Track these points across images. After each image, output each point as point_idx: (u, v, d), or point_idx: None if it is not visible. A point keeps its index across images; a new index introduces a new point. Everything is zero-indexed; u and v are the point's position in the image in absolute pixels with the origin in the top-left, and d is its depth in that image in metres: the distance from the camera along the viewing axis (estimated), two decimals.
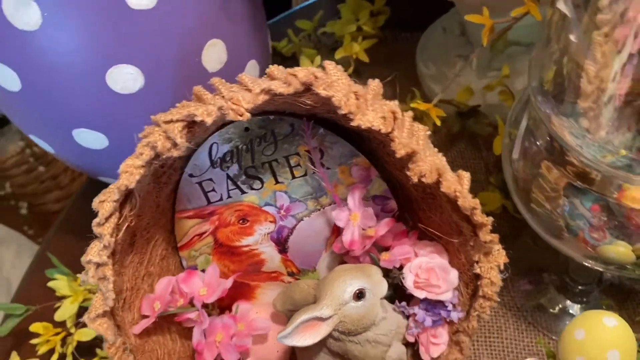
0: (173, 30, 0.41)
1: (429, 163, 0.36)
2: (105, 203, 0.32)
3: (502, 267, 0.40)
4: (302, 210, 0.45)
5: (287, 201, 0.44)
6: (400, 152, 0.34)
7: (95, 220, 0.32)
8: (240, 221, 0.45)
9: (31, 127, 0.46)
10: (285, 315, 0.44)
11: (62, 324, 0.56)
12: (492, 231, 0.61)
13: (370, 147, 0.43)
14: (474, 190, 0.63)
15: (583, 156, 0.37)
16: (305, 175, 0.43)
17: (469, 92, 0.63)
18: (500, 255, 0.39)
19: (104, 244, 0.32)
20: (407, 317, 0.45)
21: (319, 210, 0.45)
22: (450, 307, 0.43)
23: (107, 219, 0.32)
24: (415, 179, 0.35)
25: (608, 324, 0.37)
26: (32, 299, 0.60)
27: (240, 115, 0.31)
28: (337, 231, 0.45)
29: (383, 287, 0.41)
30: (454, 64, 0.69)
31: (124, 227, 0.35)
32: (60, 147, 0.46)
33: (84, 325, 0.51)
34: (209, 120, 0.31)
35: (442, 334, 0.44)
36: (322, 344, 0.43)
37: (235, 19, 0.45)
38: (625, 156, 0.35)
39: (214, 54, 0.43)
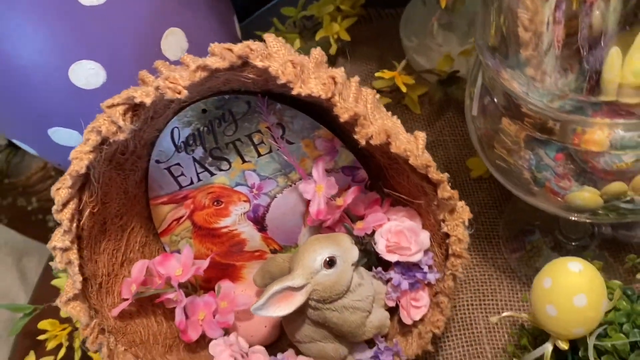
0: (127, 22, 0.42)
1: (377, 125, 0.36)
2: (60, 190, 0.34)
3: (467, 224, 0.40)
4: (273, 187, 0.46)
5: (257, 179, 0.45)
6: (344, 116, 0.35)
7: (54, 207, 0.34)
8: (215, 203, 0.46)
9: (10, 131, 0.48)
10: None
11: (68, 320, 0.58)
12: (483, 196, 0.61)
13: (330, 117, 0.44)
14: (464, 157, 0.63)
15: (532, 104, 0.36)
16: (270, 152, 0.44)
17: (449, 60, 0.63)
18: (464, 212, 0.40)
19: (64, 229, 0.34)
20: (387, 282, 0.45)
21: (290, 186, 0.46)
22: (425, 268, 0.43)
23: (64, 205, 0.34)
24: (362, 142, 0.36)
25: (573, 269, 0.37)
26: (47, 299, 0.63)
27: (178, 93, 0.32)
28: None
29: (353, 253, 0.42)
30: (434, 35, 0.69)
31: (86, 213, 0.36)
32: (41, 148, 0.48)
33: None
34: (147, 101, 0.32)
35: (423, 297, 0.44)
36: (304, 316, 0.44)
37: (193, 6, 0.46)
38: (573, 98, 0.35)
39: (173, 43, 0.45)
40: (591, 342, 0.39)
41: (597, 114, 0.35)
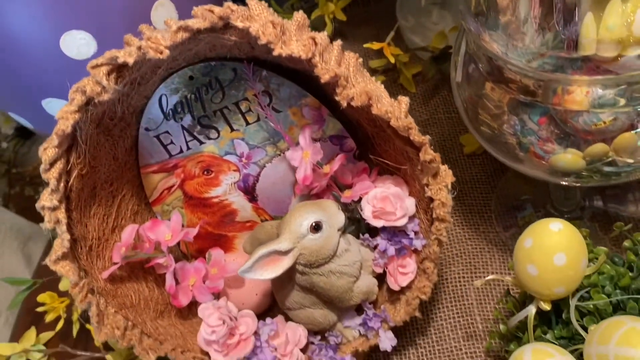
0: None
1: (358, 87, 0.37)
2: (48, 150, 0.34)
3: (450, 187, 0.40)
4: (262, 156, 0.47)
5: (246, 148, 0.46)
6: (324, 77, 0.35)
7: (41, 167, 0.35)
8: (205, 172, 0.47)
9: (5, 104, 0.49)
10: None
11: (67, 294, 0.59)
12: (476, 171, 0.61)
13: (319, 87, 0.44)
14: (457, 134, 0.64)
15: (512, 64, 0.37)
16: (258, 120, 0.45)
17: (442, 37, 0.64)
18: (447, 176, 0.40)
19: (51, 188, 0.35)
20: (374, 249, 0.46)
21: (280, 155, 0.47)
22: (412, 235, 0.44)
23: (51, 164, 0.35)
24: (344, 104, 0.36)
25: (553, 229, 0.37)
26: (49, 275, 0.64)
27: (160, 53, 0.33)
28: None
29: (340, 218, 0.43)
30: (430, 13, 0.70)
31: (75, 174, 0.37)
32: (36, 120, 0.49)
33: None
34: (130, 60, 0.33)
35: (410, 264, 0.45)
36: (293, 282, 0.45)
37: None
38: (552, 56, 0.36)
39: (163, 14, 0.45)
40: (573, 303, 0.39)
41: (576, 72, 0.36)
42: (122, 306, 0.41)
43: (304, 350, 0.46)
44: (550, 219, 0.38)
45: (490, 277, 0.43)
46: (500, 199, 0.59)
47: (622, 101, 0.35)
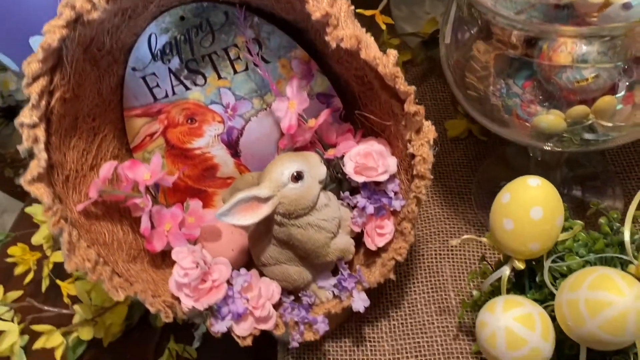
0: None
1: (348, 30, 0.37)
2: (31, 63, 0.34)
3: (431, 143, 0.41)
4: (248, 109, 0.47)
5: (232, 99, 0.46)
6: (316, 15, 0.36)
7: (24, 81, 0.34)
8: (189, 121, 0.46)
9: None
10: None
11: (39, 248, 0.59)
12: (459, 155, 0.61)
13: (309, 44, 0.45)
14: (443, 119, 0.65)
15: (500, 15, 0.37)
16: (246, 69, 0.45)
17: (433, 23, 0.65)
18: (430, 132, 0.40)
19: (32, 104, 0.34)
20: (354, 208, 0.45)
21: (265, 109, 0.47)
22: (392, 194, 0.44)
23: (34, 79, 0.34)
24: (333, 44, 0.37)
25: (531, 184, 0.38)
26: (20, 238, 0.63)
27: None
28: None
29: (321, 170, 0.43)
30: (422, 3, 0.71)
31: (57, 96, 0.36)
32: (21, 59, 0.48)
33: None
34: None
35: (388, 225, 0.45)
36: (270, 236, 0.44)
37: None
38: (539, 9, 0.36)
39: None
40: (547, 264, 0.39)
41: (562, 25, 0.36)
42: (95, 242, 0.40)
43: (276, 307, 0.46)
44: (529, 176, 0.39)
45: (466, 236, 0.43)
46: (480, 182, 0.59)
47: (604, 57, 0.36)
